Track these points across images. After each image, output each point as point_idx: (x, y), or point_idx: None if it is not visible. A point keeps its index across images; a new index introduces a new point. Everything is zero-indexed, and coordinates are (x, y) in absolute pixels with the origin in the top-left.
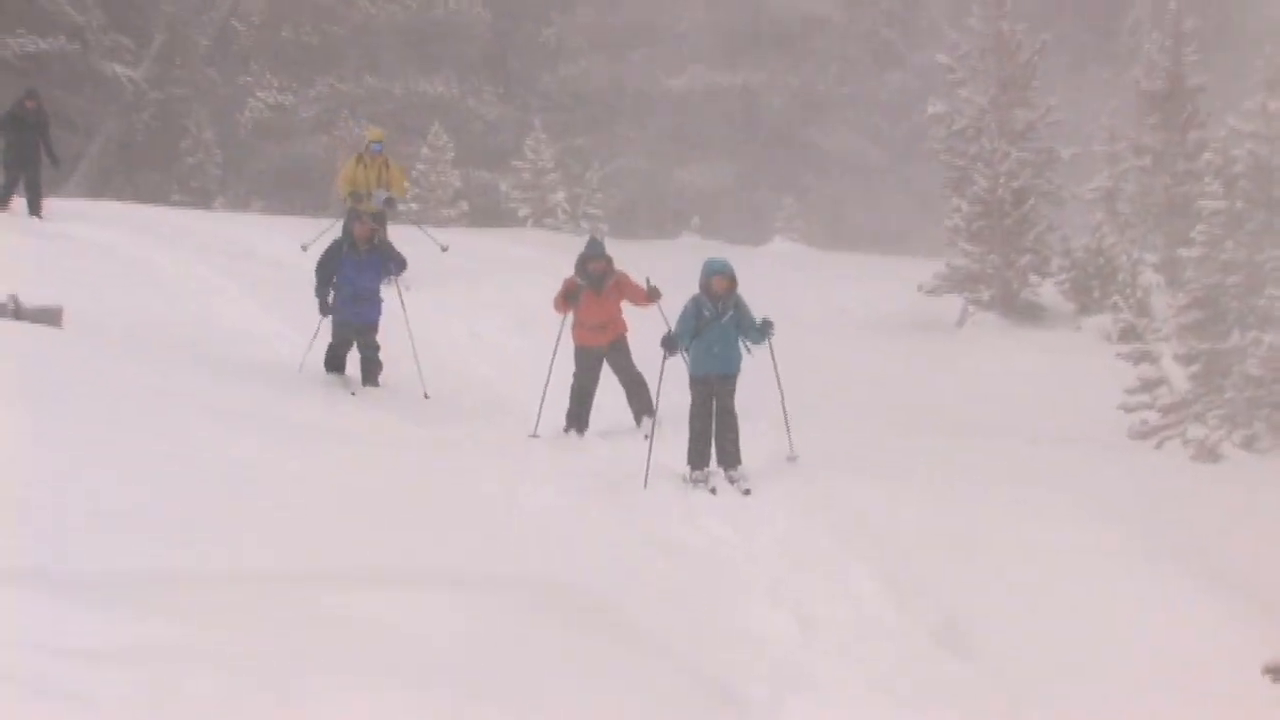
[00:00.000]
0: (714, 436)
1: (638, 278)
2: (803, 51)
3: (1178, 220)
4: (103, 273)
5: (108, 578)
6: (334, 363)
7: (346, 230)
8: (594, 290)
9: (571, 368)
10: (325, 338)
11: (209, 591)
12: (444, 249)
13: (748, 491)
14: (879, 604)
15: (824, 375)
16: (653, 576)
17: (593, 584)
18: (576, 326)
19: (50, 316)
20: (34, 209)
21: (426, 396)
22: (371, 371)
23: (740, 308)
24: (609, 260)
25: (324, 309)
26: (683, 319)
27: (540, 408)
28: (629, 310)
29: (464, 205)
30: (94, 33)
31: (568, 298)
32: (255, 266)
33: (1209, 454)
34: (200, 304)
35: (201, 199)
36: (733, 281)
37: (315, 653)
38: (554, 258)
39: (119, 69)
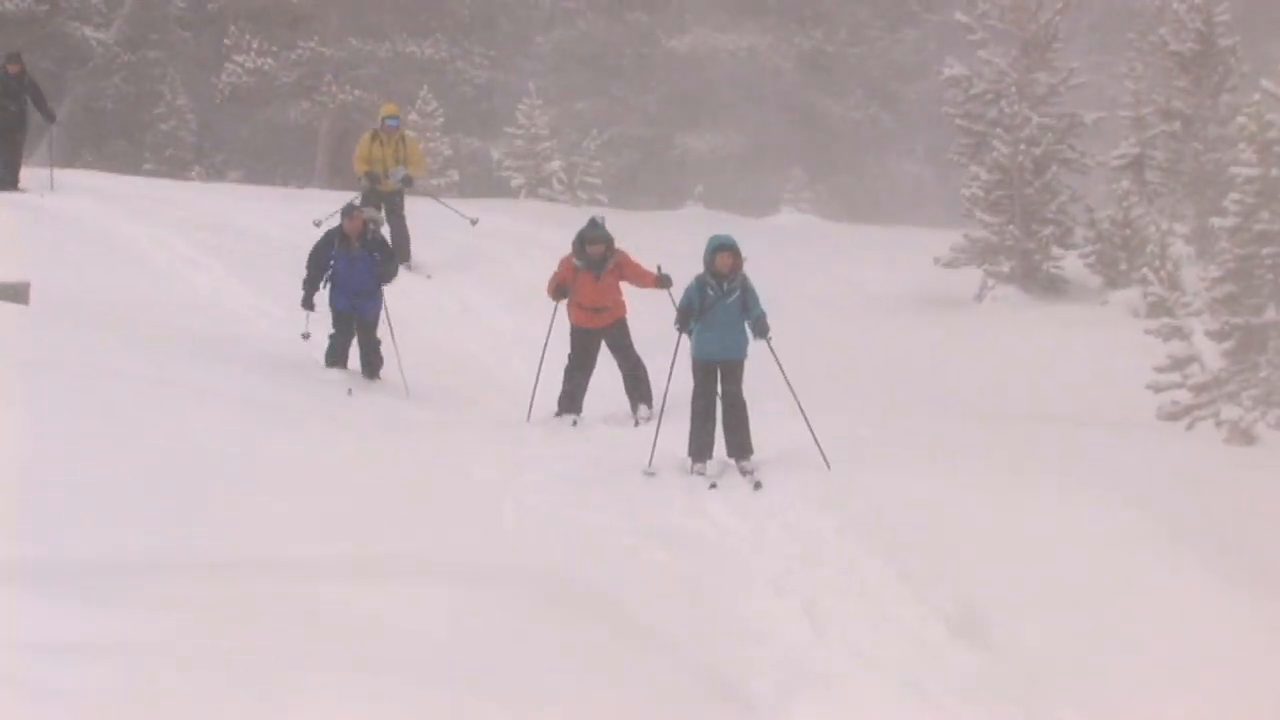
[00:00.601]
0: (721, 426)
1: (641, 257)
2: (811, 12)
3: (1209, 189)
4: (73, 246)
5: (91, 570)
6: (335, 356)
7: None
8: (592, 274)
9: (566, 348)
10: (318, 337)
11: (198, 584)
12: (473, 222)
13: (759, 485)
14: (893, 596)
15: (835, 355)
16: (655, 568)
17: (592, 577)
18: (573, 307)
19: (15, 293)
20: (12, 181)
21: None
22: (373, 365)
23: (747, 288)
24: (609, 242)
25: (307, 302)
26: (685, 298)
27: (534, 391)
28: (630, 291)
29: (454, 174)
30: None
31: (560, 287)
32: (236, 240)
33: (1243, 436)
34: (179, 280)
35: (176, 168)
36: (739, 258)
37: (308, 647)
38: (550, 231)
39: (88, 31)
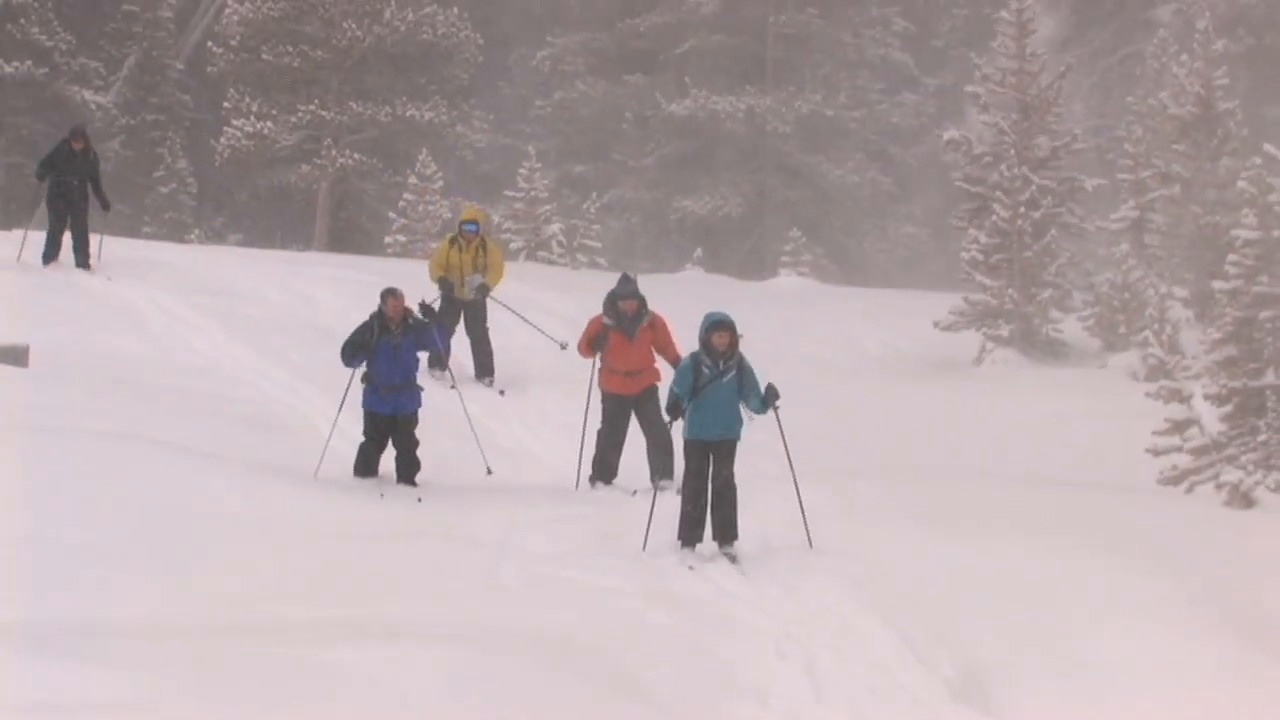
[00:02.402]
0: (710, 508)
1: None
2: (810, 76)
3: (1208, 252)
4: (72, 309)
5: (90, 631)
6: (365, 466)
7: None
8: (625, 333)
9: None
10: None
11: (194, 645)
12: (563, 347)
13: (736, 560)
14: (893, 658)
15: (835, 418)
16: (655, 629)
17: (592, 637)
18: (605, 372)
19: (15, 355)
20: (81, 261)
21: (490, 472)
22: (409, 470)
23: (743, 368)
24: (642, 299)
25: (354, 363)
26: (680, 377)
27: (580, 460)
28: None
29: None
30: (62, 56)
31: (593, 342)
32: (236, 303)
33: (1243, 499)
34: (178, 342)
35: (175, 231)
36: (735, 336)
37: (301, 707)
38: (549, 295)
39: (87, 94)
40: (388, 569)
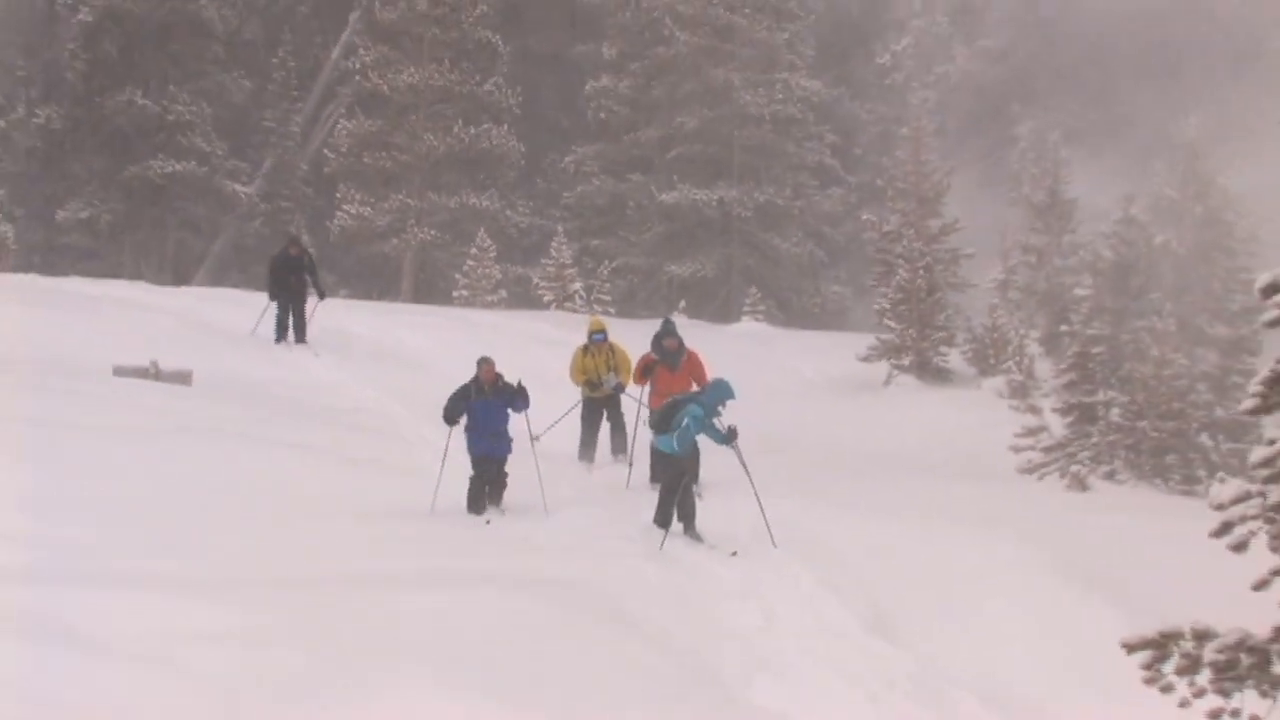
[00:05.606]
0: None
1: (636, 353)
2: (765, 174)
3: (1055, 304)
4: (222, 344)
5: (195, 577)
6: (475, 503)
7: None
8: (668, 366)
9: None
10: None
11: (294, 590)
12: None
13: (699, 538)
14: (825, 604)
15: (783, 427)
16: (649, 579)
17: (601, 583)
18: (655, 396)
19: (183, 377)
20: (300, 337)
21: (547, 510)
22: (499, 493)
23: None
24: (680, 339)
25: (452, 420)
26: (691, 426)
27: (629, 471)
28: None
29: (503, 293)
30: (217, 158)
31: (644, 372)
32: (343, 339)
33: (1080, 484)
34: (303, 370)
35: None
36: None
37: (383, 635)
38: (569, 333)
39: (236, 186)
40: (448, 536)
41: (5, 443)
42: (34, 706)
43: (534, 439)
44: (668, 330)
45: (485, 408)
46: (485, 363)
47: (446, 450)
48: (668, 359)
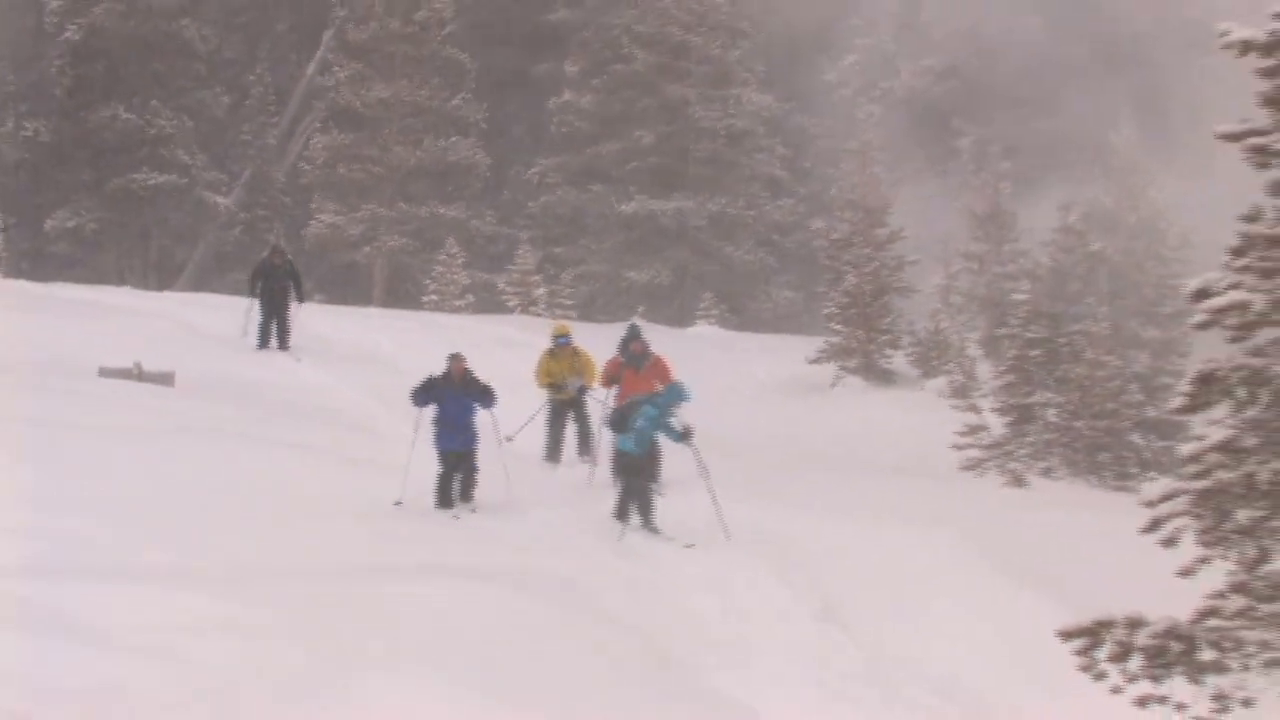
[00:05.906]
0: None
1: (599, 356)
2: (719, 185)
3: (995, 309)
4: (206, 346)
5: (213, 574)
6: (443, 498)
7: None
8: (634, 368)
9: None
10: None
11: (294, 584)
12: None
13: (657, 531)
14: (779, 596)
15: (738, 430)
16: (620, 572)
17: (578, 577)
18: (620, 398)
19: (165, 379)
20: (283, 344)
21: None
22: (469, 490)
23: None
24: (646, 343)
25: (422, 402)
26: (647, 428)
27: (593, 470)
28: None
29: (470, 298)
30: (198, 170)
31: (610, 377)
32: (317, 341)
33: (1018, 481)
34: (283, 370)
35: None
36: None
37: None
38: (533, 336)
39: (216, 197)
40: (444, 533)
41: (6, 442)
42: (35, 695)
43: (507, 439)
44: (634, 335)
45: (454, 401)
46: (456, 359)
47: (415, 442)
48: (634, 362)
